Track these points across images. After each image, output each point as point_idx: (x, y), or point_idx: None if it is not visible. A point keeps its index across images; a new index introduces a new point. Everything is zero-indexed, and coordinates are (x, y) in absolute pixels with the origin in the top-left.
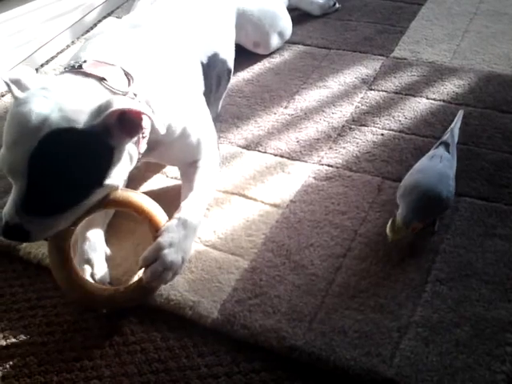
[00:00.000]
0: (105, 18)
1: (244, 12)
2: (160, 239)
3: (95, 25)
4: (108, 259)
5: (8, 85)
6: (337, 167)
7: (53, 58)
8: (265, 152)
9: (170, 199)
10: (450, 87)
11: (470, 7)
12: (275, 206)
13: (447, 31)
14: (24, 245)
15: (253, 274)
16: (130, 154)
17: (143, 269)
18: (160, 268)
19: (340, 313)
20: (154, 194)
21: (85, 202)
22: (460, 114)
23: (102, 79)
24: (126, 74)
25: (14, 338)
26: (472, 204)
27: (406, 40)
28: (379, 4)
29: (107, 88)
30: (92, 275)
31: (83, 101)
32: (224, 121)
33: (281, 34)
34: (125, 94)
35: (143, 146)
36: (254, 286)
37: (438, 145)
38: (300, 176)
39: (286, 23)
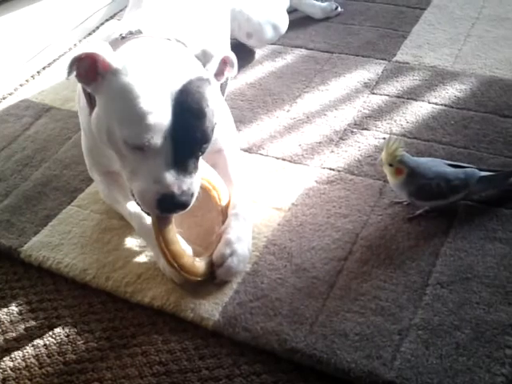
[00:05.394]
0: (107, 21)
1: (237, 6)
2: (227, 236)
3: (97, 28)
4: None
5: (103, 56)
6: (338, 171)
7: (55, 60)
8: (267, 155)
9: None
10: (451, 91)
11: (472, 12)
12: (277, 209)
13: (449, 36)
14: (25, 247)
15: (254, 276)
16: None
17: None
18: (235, 262)
19: (341, 315)
20: None
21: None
22: None
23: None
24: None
25: (16, 340)
26: (472, 207)
27: (408, 44)
28: (382, 8)
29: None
30: None
31: (186, 56)
32: None
33: (275, 27)
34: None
35: None
36: (255, 288)
37: None
38: (302, 179)
39: (280, 17)
